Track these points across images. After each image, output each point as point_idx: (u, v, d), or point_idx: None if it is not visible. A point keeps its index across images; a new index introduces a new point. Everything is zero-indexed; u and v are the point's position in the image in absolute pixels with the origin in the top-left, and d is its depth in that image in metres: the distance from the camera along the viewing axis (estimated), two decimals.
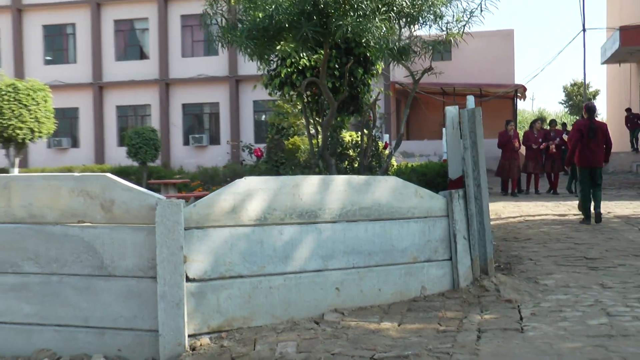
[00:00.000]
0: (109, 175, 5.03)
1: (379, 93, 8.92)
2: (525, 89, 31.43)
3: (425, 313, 5.37)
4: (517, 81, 32.78)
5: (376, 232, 5.61)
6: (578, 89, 47.10)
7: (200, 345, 4.84)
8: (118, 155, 28.75)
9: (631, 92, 29.65)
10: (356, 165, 7.79)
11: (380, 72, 8.77)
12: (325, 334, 4.89)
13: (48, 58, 32.41)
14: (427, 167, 7.97)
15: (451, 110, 6.37)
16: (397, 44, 6.61)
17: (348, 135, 9.60)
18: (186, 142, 30.74)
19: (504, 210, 12.88)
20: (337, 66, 8.19)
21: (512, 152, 16.19)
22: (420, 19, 6.14)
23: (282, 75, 8.54)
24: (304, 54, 7.68)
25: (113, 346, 4.96)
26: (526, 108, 71.32)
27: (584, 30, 24.85)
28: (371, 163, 8.24)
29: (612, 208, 12.74)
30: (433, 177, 7.52)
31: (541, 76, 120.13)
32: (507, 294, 5.79)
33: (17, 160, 22.99)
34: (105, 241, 4.97)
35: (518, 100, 33.98)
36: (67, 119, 31.95)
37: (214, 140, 30.64)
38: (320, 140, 7.44)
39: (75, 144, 32.01)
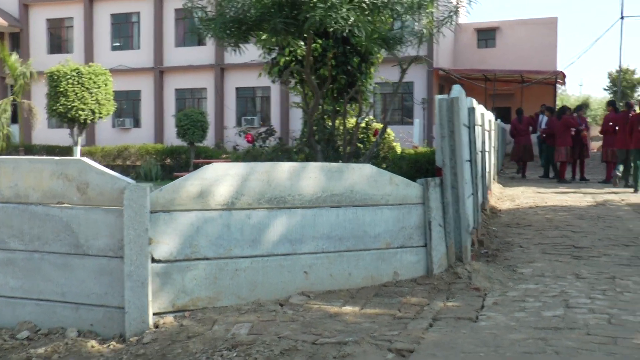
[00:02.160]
0: (84, 159, 4.98)
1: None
2: (564, 75, 30.35)
3: (390, 299, 5.18)
4: (561, 68, 31.69)
5: (348, 218, 5.42)
6: (623, 76, 45.32)
7: (164, 323, 4.77)
8: (174, 135, 29.07)
9: None
10: (343, 151, 7.58)
11: (380, 61, 8.48)
12: (284, 317, 4.76)
13: (116, 44, 32.91)
14: (418, 154, 7.71)
15: (440, 99, 6.11)
16: (385, 34, 6.31)
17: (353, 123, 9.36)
18: (238, 124, 30.83)
19: (520, 196, 12.45)
20: (335, 55, 7.95)
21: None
22: (390, 9, 5.82)
23: (281, 64, 8.38)
24: (301, 43, 7.51)
25: (87, 321, 4.94)
26: (575, 94, 69.32)
27: (622, 18, 23.77)
28: (359, 150, 8.00)
29: (628, 196, 12.18)
30: (423, 164, 7.25)
31: (590, 62, 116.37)
32: (478, 282, 5.54)
33: (79, 139, 23.48)
34: (81, 221, 4.93)
35: (559, 86, 32.94)
36: (130, 101, 32.55)
37: (265, 122, 30.64)
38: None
39: (137, 124, 32.52)
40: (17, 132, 28.45)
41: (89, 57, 31.49)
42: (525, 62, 32.27)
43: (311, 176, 5.27)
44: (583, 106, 17.92)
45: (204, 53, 30.98)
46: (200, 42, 29.91)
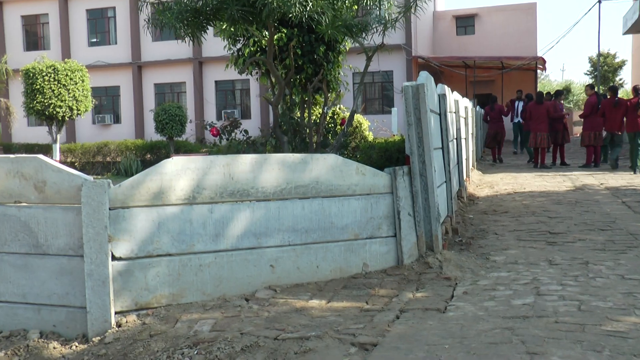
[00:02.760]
0: (40, 157, 4.84)
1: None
2: (544, 61, 30.34)
3: (359, 290, 5.08)
4: (541, 53, 31.68)
5: (314, 210, 5.31)
6: (604, 60, 45.47)
7: (126, 322, 4.66)
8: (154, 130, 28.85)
9: None
10: (311, 140, 7.45)
11: (347, 49, 8.35)
12: (249, 312, 4.65)
13: (92, 40, 32.53)
14: (388, 143, 7.60)
15: (406, 86, 6.00)
16: (348, 21, 6.18)
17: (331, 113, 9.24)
18: (219, 117, 30.59)
19: (499, 182, 12.40)
20: (301, 44, 7.82)
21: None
22: None
23: (246, 55, 8.23)
24: (265, 33, 7.37)
25: (49, 322, 4.82)
26: (558, 79, 69.52)
27: (599, 1, 23.70)
28: (327, 140, 7.88)
29: (607, 179, 12.16)
30: (393, 153, 7.14)
31: (571, 47, 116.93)
32: (449, 271, 5.45)
33: (58, 137, 23.21)
34: (40, 221, 4.80)
35: (541, 71, 32.92)
36: (109, 97, 32.23)
37: (245, 115, 30.44)
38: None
39: (117, 120, 32.21)
40: None
41: (65, 53, 31.13)
42: (505, 48, 32.26)
43: (274, 168, 5.16)
44: (563, 92, 17.88)
45: (182, 47, 30.66)
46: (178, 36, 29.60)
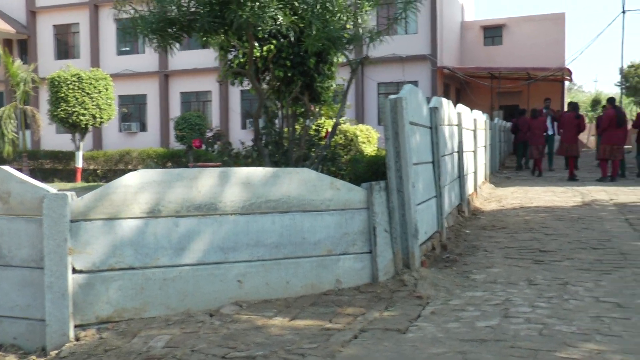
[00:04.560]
0: (5, 168, 4.84)
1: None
2: (570, 72, 29.84)
3: (326, 308, 4.96)
4: (568, 64, 31.16)
5: (285, 224, 5.22)
6: (635, 71, 44.53)
7: (85, 336, 4.61)
8: None
9: None
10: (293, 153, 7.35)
11: (339, 61, 8.25)
12: (209, 328, 4.57)
13: (121, 49, 32.95)
14: (376, 157, 7.46)
15: (385, 100, 5.89)
16: (336, 33, 6.08)
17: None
18: (244, 127, 30.71)
19: (509, 196, 12.15)
20: (290, 56, 7.72)
21: None
22: (322, 8, 5.59)
23: (235, 66, 8.18)
24: (255, 44, 7.30)
25: (10, 334, 4.80)
26: (591, 90, 68.36)
27: (623, 12, 23.24)
28: (309, 153, 7.76)
29: (619, 194, 11.83)
30: (380, 167, 7.01)
31: (603, 58, 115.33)
32: (423, 290, 5.30)
33: (81, 144, 23.51)
34: (4, 231, 4.80)
35: (572, 82, 32.41)
36: (136, 105, 32.60)
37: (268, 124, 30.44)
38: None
39: (143, 128, 32.55)
40: (29, 138, 28.60)
41: (94, 62, 31.61)
42: (533, 59, 31.82)
43: (243, 182, 5.08)
44: (576, 104, 17.74)
45: (209, 56, 30.83)
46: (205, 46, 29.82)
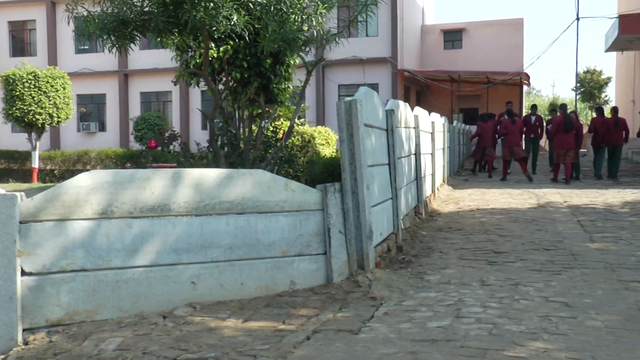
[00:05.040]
0: None
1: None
2: (528, 76, 30.38)
3: (280, 309, 4.97)
4: (526, 69, 31.72)
5: (239, 226, 5.21)
6: (590, 77, 45.59)
7: (34, 339, 4.53)
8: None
9: (635, 80, 28.47)
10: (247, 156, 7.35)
11: (296, 63, 8.27)
12: (162, 330, 4.54)
13: (80, 47, 32.45)
14: (331, 158, 7.50)
15: (339, 102, 5.92)
16: (292, 35, 6.10)
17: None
18: (205, 127, 30.53)
19: (466, 198, 12.32)
20: (246, 57, 7.73)
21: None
22: (277, 9, 5.61)
23: (192, 66, 8.16)
24: (212, 44, 7.29)
25: None
26: (549, 95, 69.67)
27: (577, 19, 23.77)
28: (265, 154, 7.76)
29: (573, 196, 12.09)
30: (336, 168, 7.04)
31: (561, 63, 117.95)
32: (377, 291, 5.35)
33: (38, 144, 23.08)
34: None
35: (532, 87, 32.97)
36: (95, 104, 32.18)
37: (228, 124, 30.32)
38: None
39: (102, 128, 32.14)
40: None
41: (52, 60, 31.09)
42: (492, 63, 32.31)
43: (197, 183, 5.06)
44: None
45: (169, 56, 30.56)
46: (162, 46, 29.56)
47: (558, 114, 16.57)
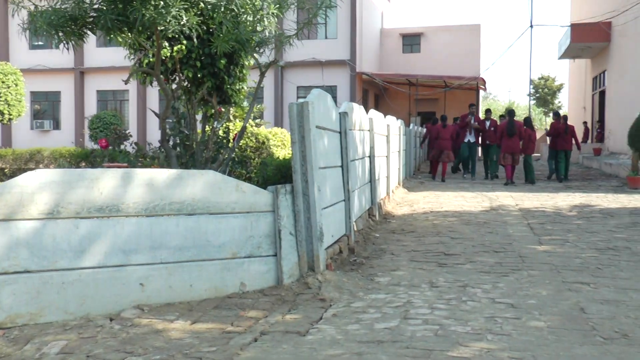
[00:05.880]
0: None
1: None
2: (484, 81, 30.86)
3: (229, 311, 4.95)
4: (483, 74, 32.20)
5: (189, 227, 5.17)
6: (544, 83, 46.54)
7: None
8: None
9: (585, 87, 29.13)
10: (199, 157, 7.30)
11: (250, 64, 8.27)
12: (108, 333, 4.48)
13: (36, 43, 31.80)
14: (285, 160, 7.51)
15: (290, 104, 5.93)
16: (246, 36, 6.08)
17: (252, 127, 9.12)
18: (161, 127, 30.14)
19: (420, 201, 12.45)
20: (200, 57, 7.68)
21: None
22: (226, 9, 5.59)
23: (144, 65, 8.09)
24: (165, 43, 7.24)
25: None
26: (505, 100, 70.90)
27: (531, 26, 24.23)
28: (217, 155, 7.74)
29: (524, 200, 12.32)
30: (289, 170, 7.03)
31: (518, 69, 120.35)
32: (327, 292, 5.37)
33: None
34: None
35: (488, 92, 33.53)
36: (50, 102, 31.58)
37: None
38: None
39: (57, 126, 31.58)
40: None
41: (3, 55, 30.41)
42: (450, 67, 32.73)
43: (147, 183, 5.01)
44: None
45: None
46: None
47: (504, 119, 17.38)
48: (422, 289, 5.58)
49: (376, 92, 33.85)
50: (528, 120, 17.03)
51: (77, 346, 4.22)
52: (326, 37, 29.22)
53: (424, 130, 23.76)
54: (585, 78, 29.11)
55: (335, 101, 28.36)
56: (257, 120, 13.95)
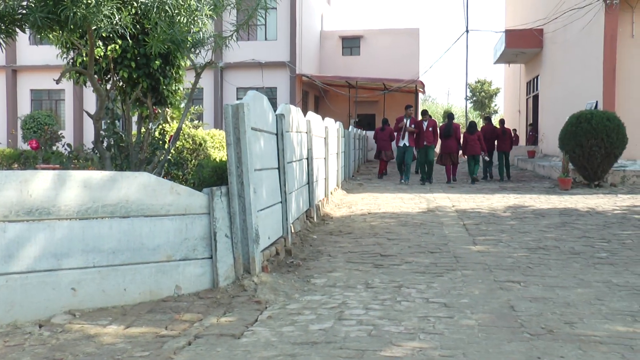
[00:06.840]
0: None
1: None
2: (423, 84, 31.36)
3: (164, 315, 4.90)
4: (422, 77, 32.70)
5: (123, 230, 5.09)
6: (480, 87, 47.65)
7: None
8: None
9: (520, 91, 29.92)
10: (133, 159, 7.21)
11: (186, 65, 8.21)
12: (37, 340, 4.37)
13: None
14: (221, 161, 7.48)
15: (226, 105, 5.90)
16: (180, 36, 6.02)
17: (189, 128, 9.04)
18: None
19: (359, 202, 12.56)
20: (135, 57, 7.59)
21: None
22: (160, 9, 5.54)
23: (78, 65, 7.95)
24: (99, 43, 7.12)
25: None
26: (444, 103, 72.18)
27: (467, 31, 24.78)
28: (152, 157, 7.66)
29: (461, 201, 12.57)
30: (224, 172, 7.00)
31: (456, 73, 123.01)
32: (263, 295, 5.36)
33: None
34: None
35: (427, 94, 34.06)
36: None
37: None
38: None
39: None
40: None
41: None
42: (389, 70, 33.11)
43: (79, 186, 4.91)
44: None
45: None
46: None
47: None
48: (357, 290, 5.64)
49: (316, 94, 33.99)
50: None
51: (2, 355, 4.10)
52: (266, 39, 29.19)
53: (363, 132, 24.28)
54: (519, 82, 29.91)
55: (276, 103, 28.45)
56: (196, 122, 13.82)
